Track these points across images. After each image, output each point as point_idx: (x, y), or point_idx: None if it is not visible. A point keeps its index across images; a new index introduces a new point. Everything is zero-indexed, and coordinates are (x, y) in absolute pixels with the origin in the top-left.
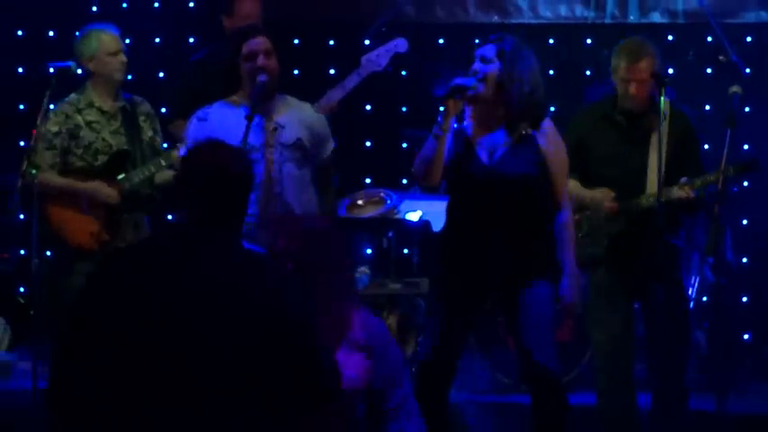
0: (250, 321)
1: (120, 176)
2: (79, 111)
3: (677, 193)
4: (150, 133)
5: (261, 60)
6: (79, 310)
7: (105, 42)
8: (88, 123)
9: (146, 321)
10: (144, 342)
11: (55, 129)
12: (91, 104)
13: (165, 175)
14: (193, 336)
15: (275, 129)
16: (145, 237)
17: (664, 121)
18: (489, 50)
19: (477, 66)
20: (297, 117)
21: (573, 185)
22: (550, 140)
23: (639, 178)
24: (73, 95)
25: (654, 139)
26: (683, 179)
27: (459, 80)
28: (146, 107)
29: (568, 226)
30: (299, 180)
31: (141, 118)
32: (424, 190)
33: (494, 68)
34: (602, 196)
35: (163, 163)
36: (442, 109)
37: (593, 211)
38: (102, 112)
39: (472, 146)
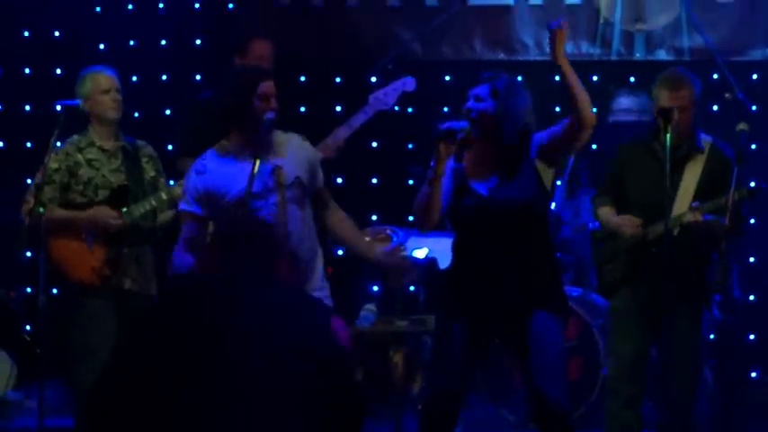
0: (296, 359)
1: (122, 210)
2: (80, 150)
3: (688, 217)
4: (153, 173)
5: (273, 103)
6: (126, 353)
7: (97, 82)
8: (88, 161)
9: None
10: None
11: (54, 166)
12: (92, 144)
13: (167, 215)
14: (244, 378)
15: (276, 170)
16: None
17: (693, 155)
18: (483, 90)
19: (470, 104)
20: (291, 154)
21: (604, 212)
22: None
23: (665, 208)
24: (75, 136)
25: (688, 169)
26: (694, 203)
27: (449, 124)
28: (148, 150)
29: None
30: (303, 220)
31: (144, 159)
32: (421, 230)
33: (487, 107)
34: (629, 223)
35: (164, 197)
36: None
37: (620, 237)
38: (103, 150)
39: (468, 181)
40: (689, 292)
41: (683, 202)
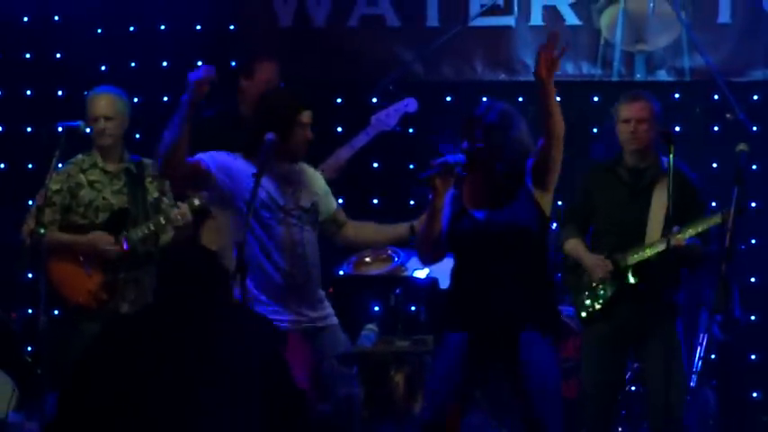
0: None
1: (120, 234)
2: (83, 171)
3: (671, 242)
4: (156, 194)
5: (309, 133)
6: (82, 369)
7: (91, 107)
8: (90, 183)
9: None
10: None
11: (56, 187)
12: (95, 165)
13: (168, 237)
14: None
15: (293, 192)
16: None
17: (659, 177)
18: (477, 133)
19: (465, 146)
20: (308, 181)
21: (573, 245)
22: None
23: (639, 231)
24: (79, 156)
25: (656, 193)
26: (675, 228)
27: (447, 158)
28: (154, 169)
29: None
30: (314, 243)
31: (148, 179)
32: (424, 263)
33: (480, 147)
34: (598, 265)
35: (163, 221)
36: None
37: (590, 274)
38: (106, 171)
39: (466, 209)
40: (666, 313)
41: (654, 226)
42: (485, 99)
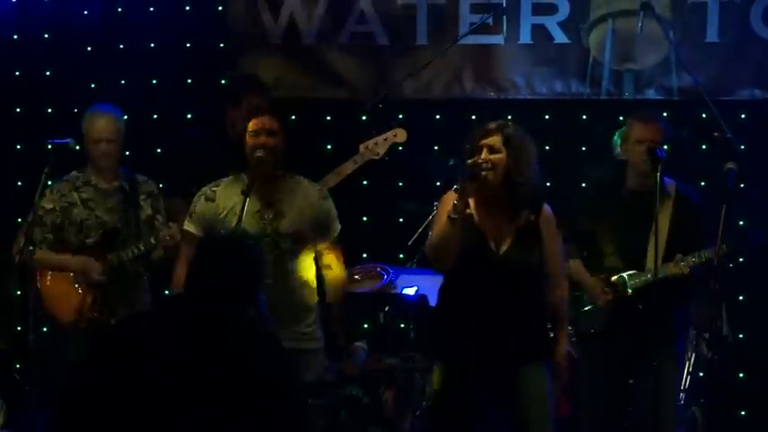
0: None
1: (110, 254)
2: (76, 188)
3: (673, 269)
4: (150, 212)
5: (263, 139)
6: (76, 377)
7: (91, 128)
8: (83, 201)
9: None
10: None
11: (49, 206)
12: (88, 182)
13: (159, 253)
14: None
15: (274, 217)
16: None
17: (662, 199)
18: (495, 140)
19: (484, 156)
20: (300, 206)
21: (575, 266)
22: (550, 226)
23: (641, 254)
24: (74, 173)
25: (659, 217)
26: (679, 256)
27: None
28: (149, 186)
29: (564, 304)
30: (296, 268)
31: (142, 197)
32: (437, 271)
33: (501, 157)
34: (600, 293)
35: (153, 242)
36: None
37: (590, 297)
38: (99, 189)
39: (480, 233)
40: (666, 335)
41: (656, 249)
42: (474, 117)
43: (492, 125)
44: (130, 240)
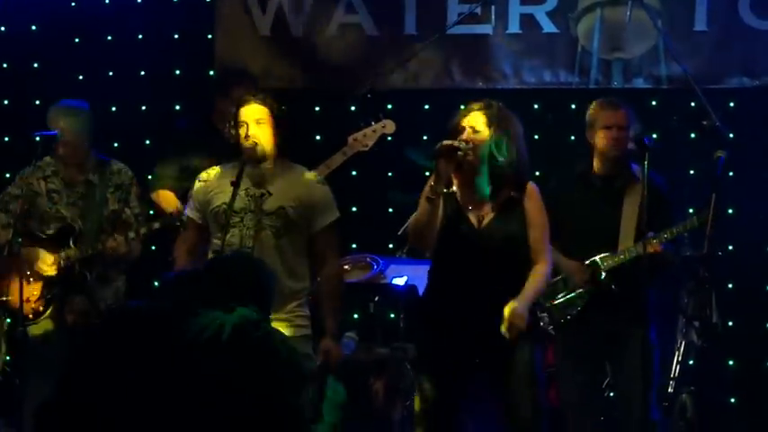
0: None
1: (61, 252)
2: (45, 177)
3: (648, 248)
4: (116, 206)
5: (249, 128)
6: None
7: (54, 128)
8: (48, 192)
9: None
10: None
11: (15, 192)
12: (56, 173)
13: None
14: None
15: (261, 195)
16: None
17: (630, 184)
18: (478, 120)
19: (465, 135)
20: (289, 186)
21: (552, 253)
22: (534, 203)
23: (611, 236)
24: (47, 158)
25: (627, 199)
26: (650, 233)
27: (448, 142)
28: (120, 177)
29: (543, 276)
30: (277, 248)
31: (110, 190)
32: (420, 251)
33: (483, 137)
34: (577, 271)
35: (99, 247)
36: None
37: (568, 280)
38: (64, 182)
39: (462, 210)
40: (640, 318)
41: (626, 232)
42: (462, 107)
43: (475, 105)
44: (88, 238)
